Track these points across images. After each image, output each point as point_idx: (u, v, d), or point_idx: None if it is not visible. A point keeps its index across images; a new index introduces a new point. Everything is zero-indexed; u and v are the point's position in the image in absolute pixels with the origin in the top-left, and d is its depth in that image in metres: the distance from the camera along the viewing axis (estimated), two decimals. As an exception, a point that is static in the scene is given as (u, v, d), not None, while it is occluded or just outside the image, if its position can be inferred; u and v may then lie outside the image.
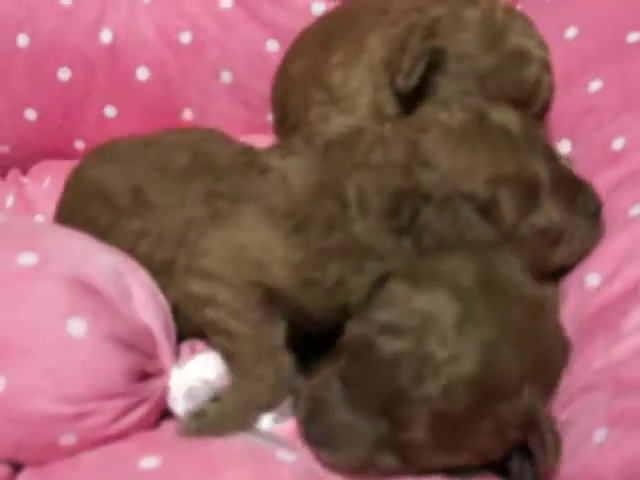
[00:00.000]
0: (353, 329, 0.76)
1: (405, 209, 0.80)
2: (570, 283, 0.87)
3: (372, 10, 1.05)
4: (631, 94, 0.93)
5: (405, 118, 0.87)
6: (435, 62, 0.92)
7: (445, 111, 0.83)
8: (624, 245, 0.83)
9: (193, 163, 0.89)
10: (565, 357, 0.79)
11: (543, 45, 0.96)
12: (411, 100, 0.93)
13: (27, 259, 0.76)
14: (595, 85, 0.96)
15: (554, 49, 1.02)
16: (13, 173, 1.25)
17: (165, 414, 0.81)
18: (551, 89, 0.95)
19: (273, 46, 1.18)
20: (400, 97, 0.94)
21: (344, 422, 0.74)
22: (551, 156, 0.83)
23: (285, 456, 0.74)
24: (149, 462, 0.72)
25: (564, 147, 0.96)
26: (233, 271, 0.80)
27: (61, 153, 1.26)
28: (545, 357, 0.75)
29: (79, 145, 1.25)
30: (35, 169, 1.25)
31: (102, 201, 0.90)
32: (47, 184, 1.20)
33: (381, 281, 0.77)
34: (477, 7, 0.96)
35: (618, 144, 0.90)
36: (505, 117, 0.82)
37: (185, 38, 1.18)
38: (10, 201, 1.18)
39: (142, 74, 1.19)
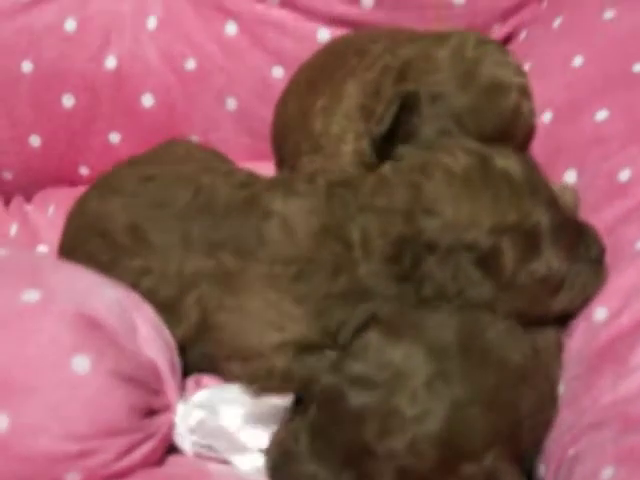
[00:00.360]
0: (326, 378, 0.75)
1: (407, 256, 0.80)
2: (578, 318, 0.86)
3: (355, 49, 1.05)
4: (637, 124, 0.93)
5: (407, 159, 0.86)
6: (409, 105, 0.92)
7: (448, 154, 0.83)
8: (631, 280, 0.83)
9: (194, 201, 0.89)
10: (549, 415, 0.79)
11: (519, 71, 0.97)
12: (389, 145, 0.92)
13: (31, 296, 0.76)
14: (601, 115, 0.95)
15: (560, 78, 1.03)
16: (17, 200, 1.25)
17: (171, 449, 0.81)
18: (531, 114, 0.96)
19: (278, 73, 1.19)
20: (377, 143, 0.94)
21: (309, 473, 0.74)
22: (553, 201, 0.83)
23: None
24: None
25: (570, 177, 0.95)
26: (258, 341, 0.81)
27: (65, 179, 1.26)
28: (517, 423, 0.74)
29: (84, 171, 1.25)
30: (39, 196, 1.25)
31: (101, 237, 0.91)
32: (51, 213, 1.20)
33: (364, 326, 0.77)
34: (447, 45, 0.96)
35: (624, 175, 0.89)
36: (508, 162, 0.82)
37: (190, 65, 1.19)
38: (14, 230, 1.18)
39: (147, 100, 1.19)
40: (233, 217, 0.87)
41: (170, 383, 0.80)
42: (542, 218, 0.81)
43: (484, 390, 0.73)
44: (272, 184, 0.91)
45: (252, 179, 0.93)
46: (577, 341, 0.85)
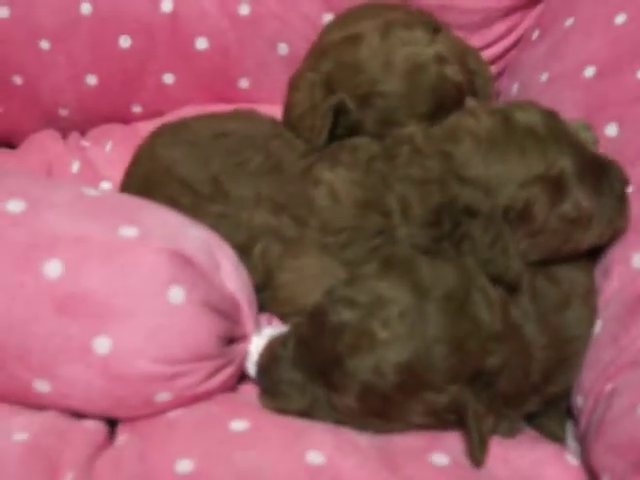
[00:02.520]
0: (319, 299, 0.82)
1: (446, 221, 0.86)
2: (615, 261, 0.91)
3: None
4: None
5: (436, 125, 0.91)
6: (343, 112, 0.99)
7: (472, 117, 0.88)
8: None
9: (265, 163, 0.97)
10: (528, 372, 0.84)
11: (430, 41, 1.01)
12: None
13: (129, 232, 0.81)
14: (643, 73, 0.99)
15: (603, 34, 1.07)
16: (74, 136, 1.29)
17: (243, 377, 0.88)
18: (457, 73, 1.00)
19: (329, 19, 1.22)
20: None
21: (289, 378, 0.81)
22: (575, 144, 0.88)
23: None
24: (239, 425, 0.79)
25: (611, 131, 1.00)
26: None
27: (118, 117, 1.30)
28: (480, 372, 0.79)
29: (136, 110, 1.29)
30: (94, 133, 1.29)
31: (180, 183, 0.97)
32: (109, 149, 1.24)
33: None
34: (359, 46, 1.00)
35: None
36: (529, 115, 0.88)
37: (244, 10, 1.22)
38: (76, 167, 1.22)
39: (201, 44, 1.23)
40: (294, 184, 0.94)
41: (248, 316, 0.86)
42: (567, 163, 0.85)
43: (453, 336, 0.78)
44: (323, 155, 0.97)
45: (310, 149, 0.99)
46: (616, 284, 0.90)
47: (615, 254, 0.92)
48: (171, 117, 1.18)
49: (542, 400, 0.87)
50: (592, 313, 0.89)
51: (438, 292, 0.80)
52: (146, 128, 1.15)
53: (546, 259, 0.87)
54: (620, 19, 1.07)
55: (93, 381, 0.78)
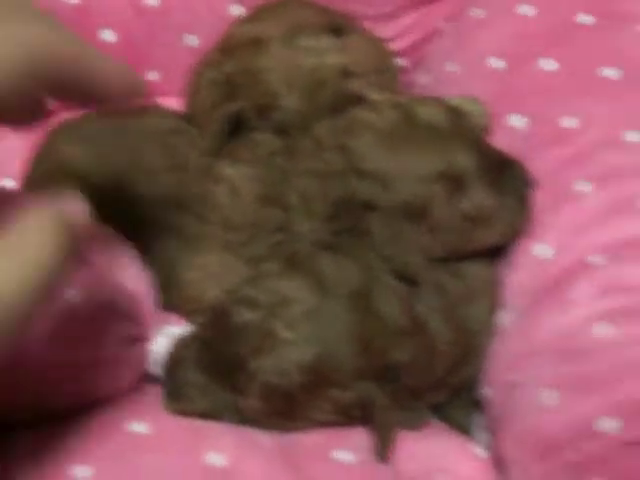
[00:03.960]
0: (221, 299, 0.82)
1: (346, 216, 0.85)
2: (519, 252, 0.92)
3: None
4: (580, 75, 0.98)
5: (340, 119, 0.90)
6: (241, 120, 0.97)
7: (374, 110, 0.87)
8: (572, 220, 0.89)
9: (167, 161, 0.95)
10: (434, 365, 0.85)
11: (336, 49, 0.99)
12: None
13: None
14: (548, 65, 1.00)
15: (509, 26, 1.08)
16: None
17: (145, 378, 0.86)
18: (361, 88, 0.98)
19: (237, 10, 1.20)
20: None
21: (192, 379, 0.81)
22: (478, 142, 0.88)
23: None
24: (139, 427, 0.78)
25: (516, 122, 1.00)
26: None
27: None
28: (386, 368, 0.80)
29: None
30: None
31: (80, 180, 0.93)
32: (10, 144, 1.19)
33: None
34: (264, 54, 0.99)
35: (568, 123, 0.95)
36: (431, 111, 0.87)
37: (152, 1, 1.20)
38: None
39: (108, 36, 1.20)
40: (196, 181, 0.93)
41: (149, 315, 0.85)
42: (468, 161, 0.85)
43: (358, 333, 0.78)
44: (225, 151, 0.96)
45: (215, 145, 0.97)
46: (520, 275, 0.91)
47: (518, 246, 0.92)
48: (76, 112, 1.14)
49: (446, 392, 0.87)
50: (494, 306, 0.90)
51: (342, 290, 0.80)
52: (51, 122, 1.12)
53: (450, 256, 0.86)
54: (527, 10, 1.08)
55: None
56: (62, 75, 0.57)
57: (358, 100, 0.93)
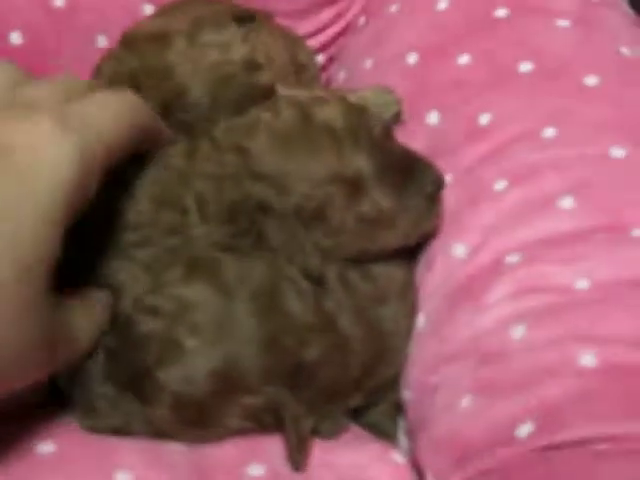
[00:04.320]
0: (121, 306, 0.79)
1: (242, 219, 0.82)
2: (437, 251, 0.91)
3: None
4: (496, 70, 0.97)
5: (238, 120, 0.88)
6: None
7: (271, 110, 0.85)
8: (489, 218, 0.88)
9: None
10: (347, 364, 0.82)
11: (241, 41, 0.97)
12: None
13: None
14: (464, 59, 0.99)
15: (425, 20, 1.06)
16: None
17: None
18: (268, 79, 0.96)
19: (150, 10, 1.17)
20: None
21: (99, 391, 0.78)
22: (377, 142, 0.85)
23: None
24: (45, 448, 0.75)
25: (433, 118, 0.99)
26: None
27: None
28: (298, 367, 0.78)
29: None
30: None
31: None
32: None
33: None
34: (168, 48, 0.96)
35: (484, 119, 0.94)
36: (328, 111, 0.84)
37: (59, 1, 1.17)
38: None
39: (16, 39, 1.16)
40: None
41: None
42: (364, 163, 0.83)
43: (265, 333, 0.77)
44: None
45: None
46: (436, 275, 0.90)
47: (436, 245, 0.91)
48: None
49: (364, 395, 0.85)
50: (410, 308, 0.88)
51: (245, 291, 0.78)
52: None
53: (357, 258, 0.84)
54: (442, 5, 1.07)
55: None
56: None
57: (268, 94, 0.91)
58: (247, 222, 0.82)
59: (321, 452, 0.81)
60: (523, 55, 0.97)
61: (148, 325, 0.76)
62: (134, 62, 0.98)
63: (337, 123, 0.83)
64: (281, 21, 1.16)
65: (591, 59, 0.95)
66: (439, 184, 0.87)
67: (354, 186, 0.82)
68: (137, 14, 1.18)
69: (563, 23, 0.99)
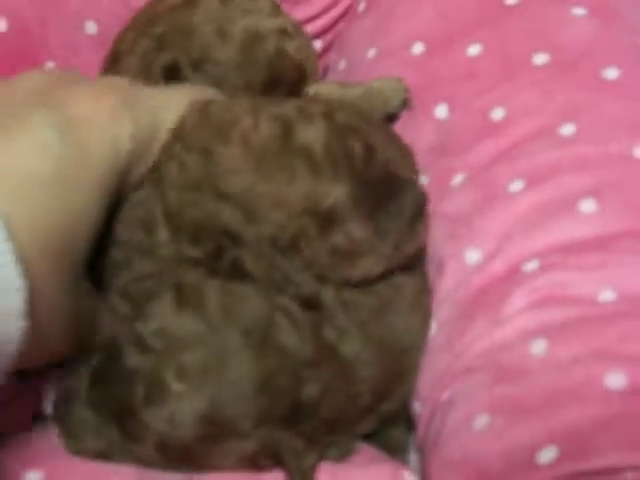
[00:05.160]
0: (112, 328, 0.74)
1: (207, 241, 0.76)
2: (448, 255, 0.86)
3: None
4: (510, 61, 0.92)
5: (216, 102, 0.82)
6: (173, 76, 0.92)
7: (252, 116, 0.77)
8: (504, 223, 0.83)
9: None
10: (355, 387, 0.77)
11: (274, 13, 0.96)
12: None
13: None
14: (474, 49, 0.94)
15: (431, 8, 1.01)
16: None
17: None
18: (300, 51, 0.96)
19: (141, -5, 1.12)
20: None
21: (82, 416, 0.73)
22: (360, 168, 0.78)
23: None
24: (33, 476, 0.70)
25: (441, 112, 0.94)
26: None
27: None
28: (297, 405, 0.73)
29: None
30: None
31: None
32: None
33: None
34: (197, 10, 0.94)
35: (497, 114, 0.89)
36: (311, 134, 0.77)
37: (45, -14, 1.11)
38: None
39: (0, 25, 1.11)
40: None
41: None
42: (341, 192, 0.76)
43: (259, 373, 0.71)
44: None
45: None
46: (449, 283, 0.85)
47: (447, 248, 0.86)
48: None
49: (379, 419, 0.80)
50: (425, 317, 0.83)
51: (236, 324, 0.72)
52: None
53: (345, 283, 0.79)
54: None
55: None
56: None
57: (297, 69, 0.90)
58: (212, 246, 0.76)
59: (330, 476, 0.75)
60: (537, 45, 0.92)
61: (136, 360, 0.71)
62: (160, 28, 0.95)
63: (317, 147, 0.76)
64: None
65: (610, 50, 0.90)
66: (420, 204, 0.82)
67: (328, 218, 0.76)
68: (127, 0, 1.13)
69: (579, 11, 0.93)
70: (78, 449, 0.73)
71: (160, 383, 0.69)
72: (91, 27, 1.13)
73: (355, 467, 0.78)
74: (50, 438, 0.75)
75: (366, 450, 0.82)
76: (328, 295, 0.77)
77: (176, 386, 0.69)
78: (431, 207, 0.87)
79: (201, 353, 0.70)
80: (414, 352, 0.81)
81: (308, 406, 0.72)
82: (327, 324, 0.76)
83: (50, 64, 1.14)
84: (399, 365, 0.80)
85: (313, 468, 0.73)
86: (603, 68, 0.88)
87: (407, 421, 0.86)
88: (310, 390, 0.73)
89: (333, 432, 0.76)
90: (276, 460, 0.72)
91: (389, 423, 0.84)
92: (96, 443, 0.73)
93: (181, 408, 0.69)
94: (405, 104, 0.97)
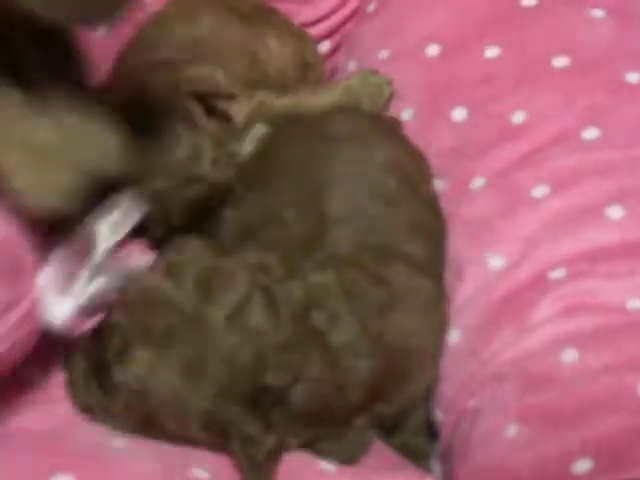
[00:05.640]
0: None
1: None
2: (468, 261, 0.85)
3: None
4: (529, 63, 0.91)
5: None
6: None
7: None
8: (529, 228, 0.82)
9: None
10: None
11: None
12: None
13: None
14: (492, 52, 0.93)
15: (447, 10, 0.99)
16: None
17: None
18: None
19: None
20: None
21: (83, 368, 0.75)
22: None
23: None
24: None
25: (459, 115, 0.93)
26: None
27: None
28: (266, 388, 0.72)
29: None
30: None
31: None
32: None
33: None
34: None
35: (518, 118, 0.87)
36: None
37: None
38: None
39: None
40: None
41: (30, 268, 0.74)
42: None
43: (227, 347, 0.71)
44: None
45: None
46: (469, 287, 0.83)
47: (467, 252, 0.85)
48: None
49: (374, 420, 0.78)
50: (440, 323, 0.82)
51: (212, 300, 0.72)
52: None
53: None
54: (466, -5, 0.99)
55: None
56: None
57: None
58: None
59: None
60: (557, 48, 0.91)
61: (117, 315, 0.73)
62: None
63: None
64: (285, 6, 1.10)
65: (631, 53, 0.89)
66: None
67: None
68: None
69: (597, 13, 0.92)
70: (75, 402, 0.75)
71: (131, 341, 0.71)
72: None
73: (378, 473, 0.76)
74: (81, 440, 0.73)
75: (390, 455, 0.81)
76: (331, 277, 0.76)
77: (140, 349, 0.70)
78: (449, 211, 0.86)
79: (169, 319, 0.71)
80: (420, 356, 0.80)
81: (274, 393, 0.71)
82: (318, 308, 0.74)
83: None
84: (399, 366, 0.78)
85: (269, 457, 0.71)
86: (625, 72, 0.87)
87: (425, 427, 0.84)
88: (276, 377, 0.71)
89: (320, 425, 0.74)
90: (227, 441, 0.71)
91: (404, 429, 0.83)
92: (86, 397, 0.74)
93: (143, 371, 0.70)
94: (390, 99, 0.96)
